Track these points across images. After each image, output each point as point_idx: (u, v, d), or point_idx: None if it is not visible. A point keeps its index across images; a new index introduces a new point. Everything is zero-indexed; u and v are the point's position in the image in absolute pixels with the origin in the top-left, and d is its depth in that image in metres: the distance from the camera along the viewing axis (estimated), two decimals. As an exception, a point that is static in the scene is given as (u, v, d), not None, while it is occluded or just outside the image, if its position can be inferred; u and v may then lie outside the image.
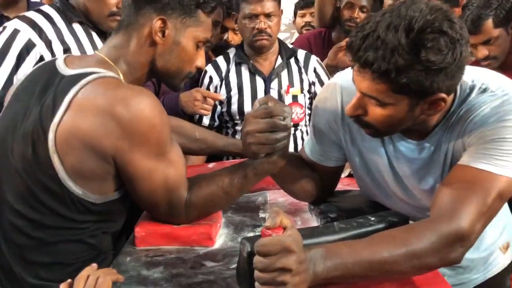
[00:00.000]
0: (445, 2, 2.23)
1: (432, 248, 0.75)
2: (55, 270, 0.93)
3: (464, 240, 0.78)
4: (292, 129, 1.73)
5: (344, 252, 0.73)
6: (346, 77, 1.00)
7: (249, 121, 0.94)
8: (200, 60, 1.03)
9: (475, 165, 0.83)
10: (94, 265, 0.75)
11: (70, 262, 0.94)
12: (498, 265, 1.11)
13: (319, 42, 2.29)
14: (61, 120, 0.87)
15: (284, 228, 0.71)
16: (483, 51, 1.61)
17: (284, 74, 1.75)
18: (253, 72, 1.74)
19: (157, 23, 0.95)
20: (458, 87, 0.89)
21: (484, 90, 0.87)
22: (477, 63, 1.66)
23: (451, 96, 0.88)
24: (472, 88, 0.88)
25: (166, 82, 1.05)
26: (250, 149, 0.96)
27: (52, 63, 0.98)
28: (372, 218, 0.92)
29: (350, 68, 0.88)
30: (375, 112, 0.85)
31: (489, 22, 1.56)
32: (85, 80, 0.89)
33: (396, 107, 0.83)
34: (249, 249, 0.77)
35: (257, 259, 0.69)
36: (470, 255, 1.03)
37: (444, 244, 0.76)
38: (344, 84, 1.01)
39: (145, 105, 0.87)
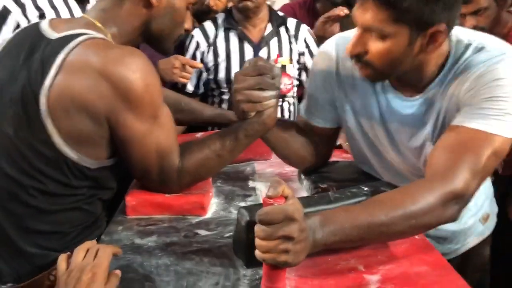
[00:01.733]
0: None
1: (429, 207, 0.76)
2: (54, 239, 0.91)
3: (459, 198, 0.79)
4: (280, 100, 1.72)
5: (342, 217, 0.74)
6: (343, 35, 1.03)
7: (238, 78, 0.94)
8: (188, 22, 1.03)
9: (470, 125, 0.83)
10: (94, 240, 0.74)
11: (69, 230, 0.92)
12: (478, 236, 1.16)
13: (303, 11, 2.29)
14: (52, 83, 0.84)
15: (286, 198, 0.71)
16: (471, 21, 1.61)
17: (274, 42, 1.71)
18: (242, 39, 1.69)
19: None
20: (454, 44, 0.89)
21: (481, 49, 0.87)
22: None
23: (446, 49, 0.89)
24: (467, 46, 0.89)
25: (157, 45, 1.02)
26: (239, 108, 0.96)
27: (35, 26, 0.95)
28: (365, 188, 0.93)
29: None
30: (376, 46, 0.84)
31: None
32: (75, 42, 0.87)
33: (397, 39, 0.83)
34: (248, 218, 0.77)
35: (259, 227, 0.69)
36: (452, 226, 1.07)
37: (440, 203, 0.77)
38: (340, 42, 1.02)
39: (137, 65, 0.86)
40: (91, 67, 0.84)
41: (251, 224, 0.74)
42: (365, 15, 0.83)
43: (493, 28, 1.61)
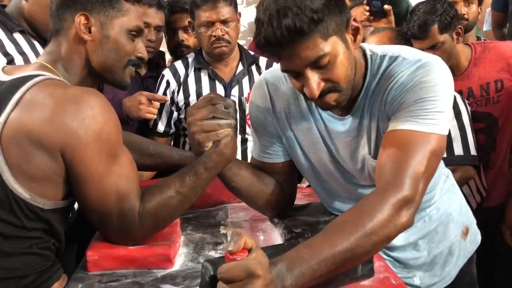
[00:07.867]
0: (373, 14, 2.27)
1: (385, 219, 0.77)
2: (10, 284, 0.88)
3: (410, 202, 0.80)
4: (250, 137, 1.70)
5: (306, 255, 0.72)
6: (270, 71, 1.08)
7: (191, 112, 0.95)
8: (140, 50, 1.02)
9: (404, 127, 0.86)
10: None
11: (25, 274, 0.89)
12: (466, 254, 1.16)
13: None
14: (6, 119, 0.84)
15: (249, 250, 0.68)
16: None
17: (245, 81, 1.69)
18: (213, 78, 1.67)
19: (79, 20, 0.96)
20: (369, 57, 0.95)
21: (396, 58, 0.92)
22: None
23: (363, 63, 0.94)
24: (382, 58, 0.94)
25: (109, 79, 1.02)
26: (195, 141, 0.95)
27: None
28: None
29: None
30: (330, 70, 0.86)
31: (435, 28, 1.61)
32: (32, 81, 0.87)
33: (335, 51, 0.85)
34: (212, 273, 0.73)
35: (221, 285, 0.66)
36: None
37: (394, 212, 0.78)
38: (268, 77, 1.07)
39: (95, 103, 0.86)
40: (48, 103, 0.84)
41: (216, 279, 0.70)
42: (301, 54, 0.83)
43: (450, 61, 1.65)
